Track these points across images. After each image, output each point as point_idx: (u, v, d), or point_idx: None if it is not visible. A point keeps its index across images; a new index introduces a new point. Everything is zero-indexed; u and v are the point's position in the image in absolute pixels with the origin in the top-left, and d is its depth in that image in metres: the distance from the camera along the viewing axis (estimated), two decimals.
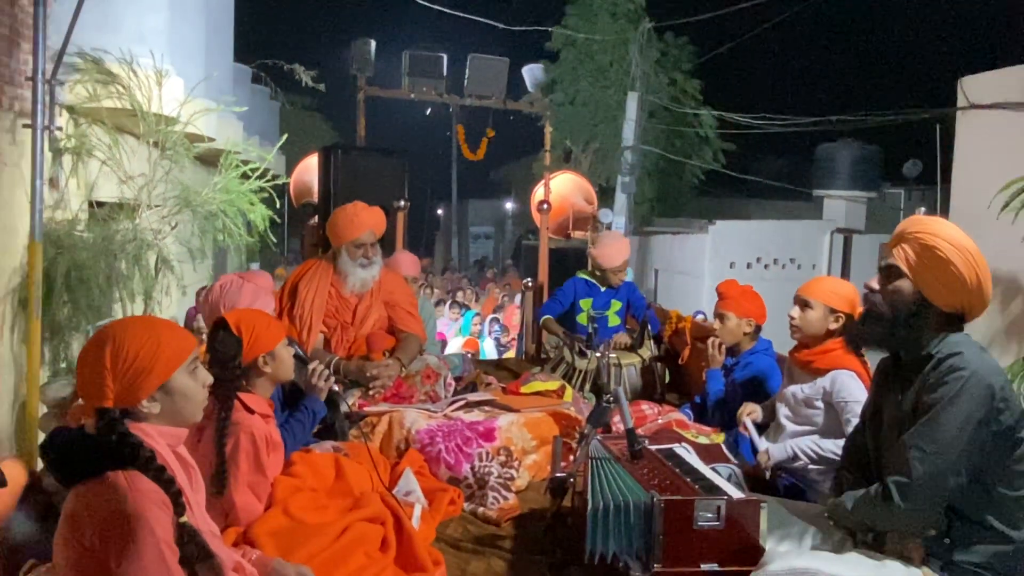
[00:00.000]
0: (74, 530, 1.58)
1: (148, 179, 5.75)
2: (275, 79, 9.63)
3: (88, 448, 1.63)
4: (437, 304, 10.08)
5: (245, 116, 7.75)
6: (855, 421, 2.87)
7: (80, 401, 1.80)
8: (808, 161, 14.33)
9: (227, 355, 2.45)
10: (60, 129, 5.00)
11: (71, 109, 5.19)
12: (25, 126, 4.66)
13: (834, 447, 2.88)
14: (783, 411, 3.15)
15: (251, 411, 2.40)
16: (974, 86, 7.34)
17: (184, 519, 1.64)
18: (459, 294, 11.28)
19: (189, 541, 1.62)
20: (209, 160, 6.46)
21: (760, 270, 11.93)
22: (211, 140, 6.24)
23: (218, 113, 6.37)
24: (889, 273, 2.12)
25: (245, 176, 6.10)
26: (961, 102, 7.48)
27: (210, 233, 6.14)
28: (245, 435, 2.33)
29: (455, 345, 8.31)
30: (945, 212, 6.86)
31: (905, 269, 2.07)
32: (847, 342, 2.96)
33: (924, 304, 2.06)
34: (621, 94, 13.29)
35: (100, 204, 5.61)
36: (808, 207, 13.72)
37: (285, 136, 6.97)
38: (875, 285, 2.16)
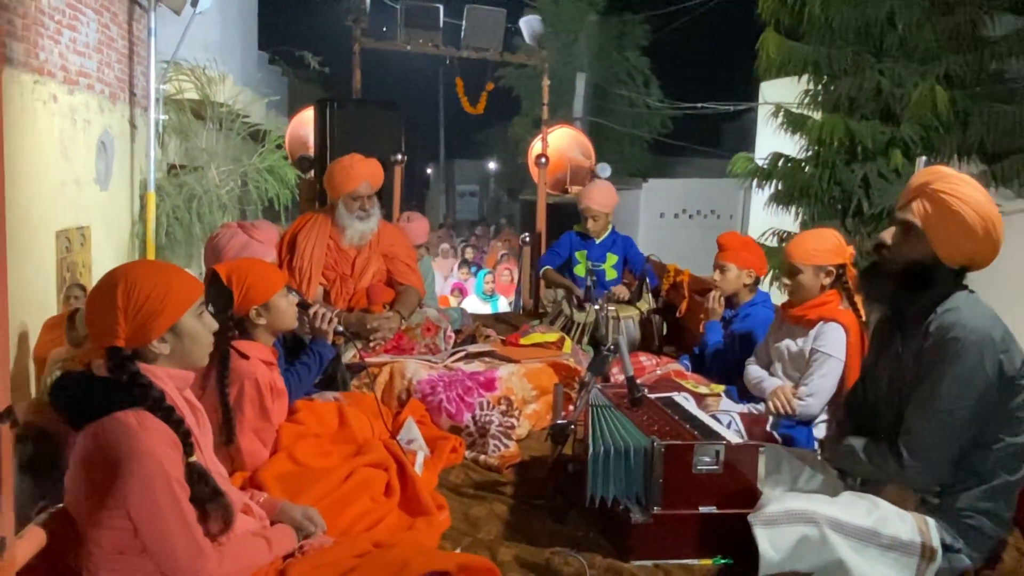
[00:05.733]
0: (86, 469, 1.60)
1: (212, 149, 8.89)
2: (283, 57, 13.34)
3: (97, 389, 1.64)
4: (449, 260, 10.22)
5: (267, 94, 10.66)
6: (820, 371, 2.92)
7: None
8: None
9: (217, 307, 2.45)
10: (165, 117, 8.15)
11: (166, 101, 8.21)
12: (144, 113, 7.81)
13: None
14: (779, 367, 3.18)
15: (245, 357, 2.41)
16: (769, 89, 9.99)
17: (193, 459, 1.66)
18: (468, 251, 11.37)
19: (199, 480, 1.65)
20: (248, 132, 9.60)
21: (685, 220, 14.78)
22: (247, 117, 9.39)
23: (248, 94, 9.50)
24: (905, 229, 2.07)
25: (278, 146, 8.70)
26: (761, 100, 10.18)
27: (258, 187, 8.95)
28: (249, 382, 2.35)
29: (470, 303, 8.30)
30: None
31: (922, 227, 2.03)
32: (860, 291, 2.96)
33: (935, 262, 2.04)
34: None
35: (182, 167, 8.63)
36: None
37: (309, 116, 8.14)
38: (888, 239, 2.11)
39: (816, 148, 7.71)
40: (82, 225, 6.67)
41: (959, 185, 2.02)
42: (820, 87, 7.88)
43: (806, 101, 8.00)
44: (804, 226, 8.03)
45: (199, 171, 8.60)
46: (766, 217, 8.87)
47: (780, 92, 9.16)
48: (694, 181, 15.43)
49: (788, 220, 8.29)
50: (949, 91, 7.04)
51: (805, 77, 8.06)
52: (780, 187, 8.08)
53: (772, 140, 8.79)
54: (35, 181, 5.95)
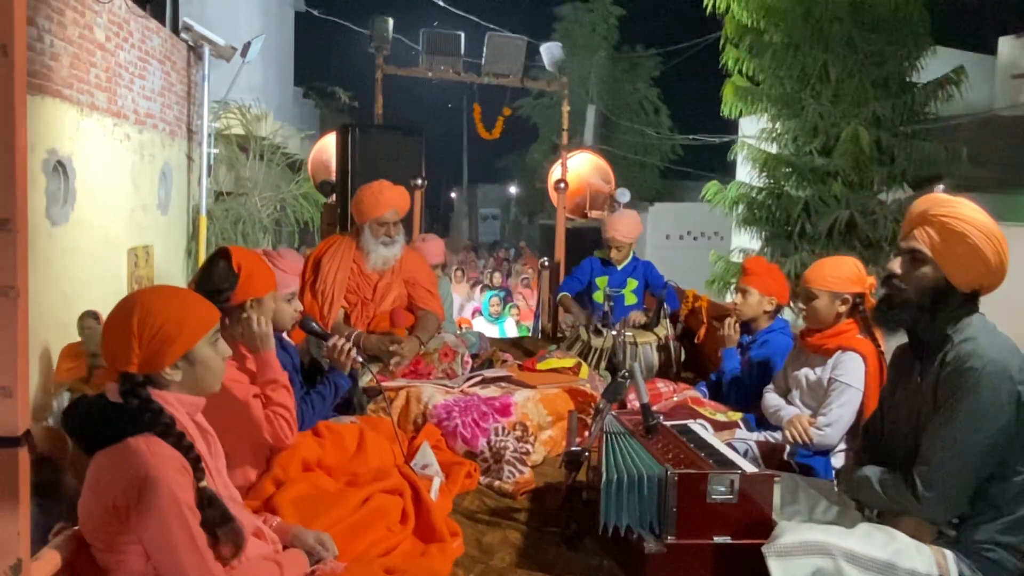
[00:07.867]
0: (97, 495, 1.62)
1: (255, 178, 10.29)
2: (316, 92, 15.60)
3: (109, 415, 1.67)
4: (475, 285, 10.38)
5: (302, 126, 12.77)
6: (839, 401, 2.89)
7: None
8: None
9: (219, 287, 2.38)
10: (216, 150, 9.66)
11: (216, 136, 9.67)
12: (197, 147, 9.24)
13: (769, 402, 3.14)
14: (796, 395, 3.15)
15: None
16: (745, 123, 11.35)
17: (204, 484, 1.68)
18: (495, 276, 11.46)
19: (209, 505, 1.66)
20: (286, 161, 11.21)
21: (689, 241, 16.37)
22: (285, 148, 10.99)
23: (286, 129, 11.25)
24: (913, 257, 2.07)
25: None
26: (740, 133, 11.84)
27: (295, 211, 10.41)
28: None
29: (478, 324, 8.36)
30: None
31: (929, 253, 2.03)
32: (875, 323, 2.94)
33: (947, 287, 2.03)
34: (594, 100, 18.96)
35: (229, 193, 10.09)
36: None
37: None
38: (897, 269, 2.11)
39: (767, 178, 9.34)
40: (147, 244, 7.94)
41: (958, 207, 2.04)
42: (778, 124, 9.31)
43: (762, 137, 9.46)
44: (765, 243, 9.49)
45: (244, 197, 10.11)
46: (739, 238, 10.32)
47: (752, 126, 10.33)
48: (696, 204, 16.13)
49: (755, 241, 9.73)
50: (876, 130, 8.47)
51: (766, 115, 9.44)
52: (742, 211, 9.48)
53: (744, 169, 10.12)
54: (113, 207, 7.30)
